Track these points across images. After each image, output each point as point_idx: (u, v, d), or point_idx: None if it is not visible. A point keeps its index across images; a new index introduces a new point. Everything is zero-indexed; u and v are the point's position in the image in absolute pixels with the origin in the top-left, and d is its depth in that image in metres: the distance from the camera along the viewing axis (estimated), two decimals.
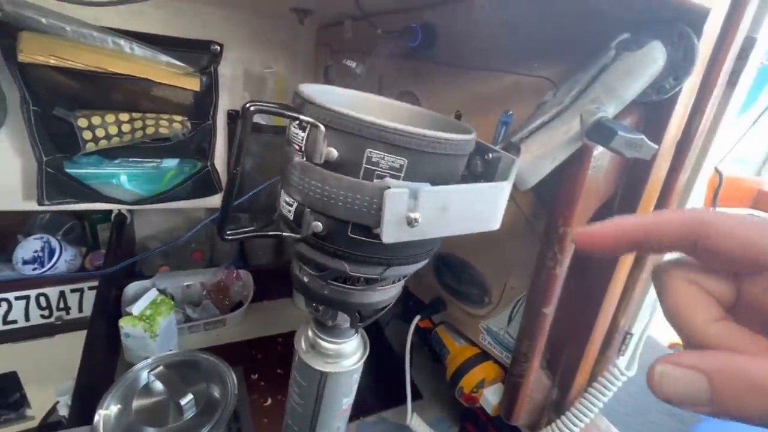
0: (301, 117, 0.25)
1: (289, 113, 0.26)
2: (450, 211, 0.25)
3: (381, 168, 0.25)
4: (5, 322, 0.99)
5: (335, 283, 0.32)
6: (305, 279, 0.34)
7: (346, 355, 0.40)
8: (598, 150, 0.37)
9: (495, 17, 0.50)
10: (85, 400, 0.68)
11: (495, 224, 0.27)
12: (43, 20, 0.56)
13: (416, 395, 0.90)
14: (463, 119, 0.58)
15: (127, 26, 0.65)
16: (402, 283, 0.37)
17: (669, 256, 0.20)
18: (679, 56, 0.34)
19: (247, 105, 0.24)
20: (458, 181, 0.31)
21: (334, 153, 0.25)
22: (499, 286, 0.58)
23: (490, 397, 0.61)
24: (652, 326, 0.54)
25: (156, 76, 0.64)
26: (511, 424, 0.55)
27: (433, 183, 0.27)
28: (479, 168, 0.34)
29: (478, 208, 0.26)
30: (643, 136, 0.30)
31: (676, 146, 0.39)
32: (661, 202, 0.41)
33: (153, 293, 0.85)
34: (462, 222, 0.26)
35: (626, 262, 0.44)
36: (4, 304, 0.97)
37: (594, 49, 0.37)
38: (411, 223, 0.23)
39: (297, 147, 0.27)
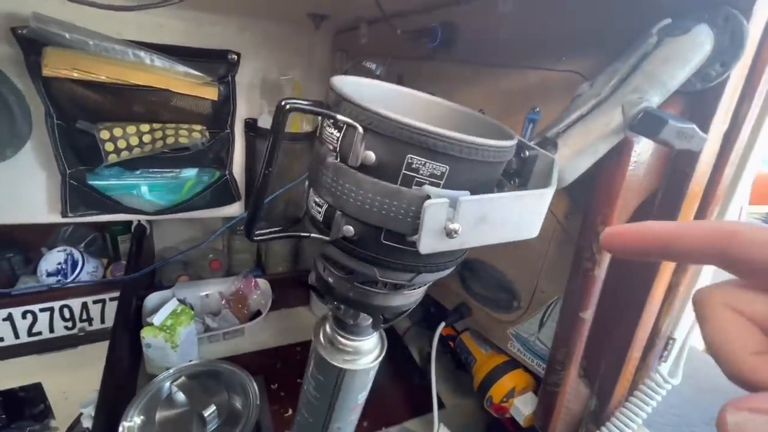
0: (339, 117, 0.24)
1: (326, 112, 0.24)
2: (489, 221, 0.23)
3: (421, 175, 0.24)
4: (30, 334, 1.01)
5: (361, 285, 0.31)
6: (330, 279, 0.33)
7: (365, 353, 0.39)
8: (639, 143, 0.35)
9: (519, 11, 0.49)
10: (109, 412, 0.68)
11: (534, 232, 0.26)
12: (67, 35, 0.57)
13: (439, 405, 0.87)
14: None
15: (148, 39, 0.66)
16: (425, 288, 0.36)
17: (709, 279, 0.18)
18: (725, 41, 0.32)
19: (282, 102, 0.23)
20: (494, 185, 0.29)
21: (372, 157, 0.24)
22: (528, 290, 0.56)
23: (522, 407, 0.58)
24: (695, 331, 0.51)
25: (175, 86, 0.65)
26: None
27: (472, 190, 0.25)
28: (514, 165, 0.32)
29: (518, 217, 0.24)
30: (694, 126, 0.28)
31: (722, 138, 0.36)
32: (706, 197, 0.39)
33: (173, 303, 0.85)
34: (500, 231, 0.24)
35: (669, 263, 0.41)
36: (30, 316, 0.99)
37: (628, 40, 0.36)
38: (450, 234, 0.22)
39: (331, 147, 0.26)
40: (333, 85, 0.25)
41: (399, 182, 0.24)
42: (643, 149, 0.36)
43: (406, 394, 0.89)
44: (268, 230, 0.28)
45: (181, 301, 0.94)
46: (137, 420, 0.61)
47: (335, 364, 0.37)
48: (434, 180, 0.24)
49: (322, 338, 0.40)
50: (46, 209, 0.72)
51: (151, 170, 0.73)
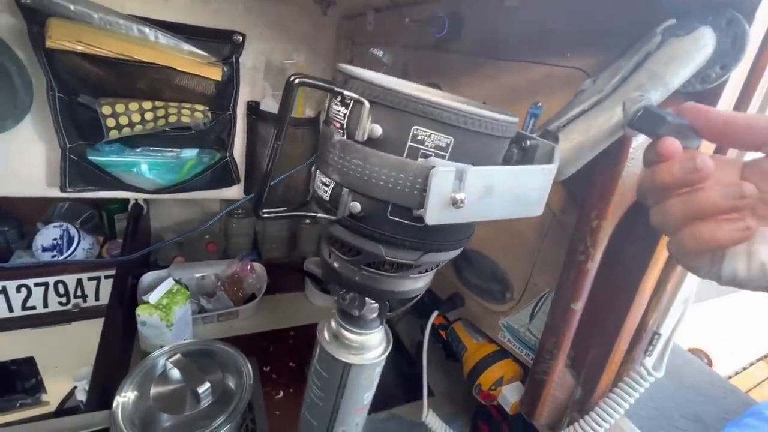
0: (346, 92, 0.25)
1: (335, 88, 0.25)
2: (495, 194, 0.24)
3: (426, 146, 0.24)
4: (24, 308, 1.01)
5: (368, 268, 0.31)
6: (336, 264, 0.34)
7: (370, 348, 0.39)
8: (637, 140, 0.36)
9: (525, 6, 0.49)
10: (103, 386, 0.69)
11: (539, 209, 0.26)
12: (72, 7, 0.57)
13: (429, 393, 0.89)
14: None
15: (152, 14, 0.65)
16: (433, 273, 0.36)
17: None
18: (727, 44, 0.32)
19: (292, 77, 0.24)
20: (498, 163, 0.30)
21: (378, 130, 0.24)
22: (521, 282, 0.57)
23: (509, 395, 0.60)
24: (680, 327, 0.52)
25: (179, 64, 0.64)
26: (532, 422, 0.54)
27: (476, 164, 0.26)
28: (515, 156, 0.33)
29: (524, 192, 0.25)
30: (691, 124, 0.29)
31: None
32: None
33: (169, 282, 0.86)
34: (506, 205, 0.25)
35: (660, 259, 0.42)
36: (24, 290, 0.99)
37: (632, 38, 0.36)
38: (456, 203, 0.22)
39: (338, 125, 0.26)
40: (340, 67, 0.26)
41: (405, 154, 0.25)
42: (641, 146, 0.37)
43: (396, 382, 0.90)
44: (276, 209, 0.29)
45: (177, 282, 0.95)
46: (131, 395, 0.61)
47: (340, 358, 0.37)
48: (439, 152, 0.24)
49: (326, 334, 0.40)
50: (44, 183, 0.72)
51: (151, 148, 0.73)
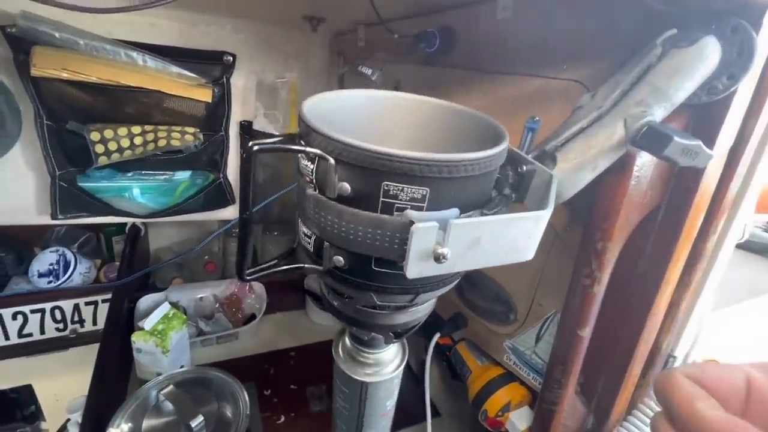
0: (308, 150, 0.23)
1: (293, 148, 0.23)
2: (482, 244, 0.22)
3: (401, 200, 0.22)
4: (21, 335, 0.99)
5: (364, 308, 0.30)
6: (335, 303, 0.32)
7: (386, 363, 0.39)
8: (642, 157, 0.34)
9: (519, 17, 0.48)
10: (96, 419, 0.66)
11: (529, 255, 0.24)
12: (57, 34, 0.56)
13: (434, 413, 0.86)
14: None
15: (141, 39, 0.64)
16: (434, 301, 0.35)
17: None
18: (733, 53, 0.30)
19: (250, 144, 0.22)
20: (489, 198, 0.28)
21: (347, 188, 0.22)
22: (525, 303, 0.54)
23: (518, 422, 0.56)
24: (696, 349, 0.49)
25: (168, 87, 0.63)
26: None
27: (462, 206, 0.24)
28: (510, 179, 0.31)
29: (513, 239, 0.23)
30: (700, 142, 0.27)
31: (729, 152, 0.35)
32: (712, 212, 0.37)
33: (165, 307, 0.84)
34: (494, 254, 0.23)
35: (671, 279, 0.40)
36: (20, 318, 0.97)
37: (631, 48, 0.34)
38: (438, 259, 0.20)
39: (308, 179, 0.25)
40: (302, 112, 0.24)
41: (379, 210, 0.23)
42: (645, 163, 0.35)
43: (400, 401, 0.87)
44: (262, 266, 0.27)
45: (174, 305, 0.93)
46: (124, 427, 0.59)
47: (357, 378, 0.37)
48: (416, 204, 0.22)
49: (341, 352, 0.40)
50: (35, 211, 0.71)
51: (143, 172, 0.72)
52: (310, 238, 0.26)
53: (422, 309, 0.32)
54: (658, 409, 0.45)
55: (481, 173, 0.24)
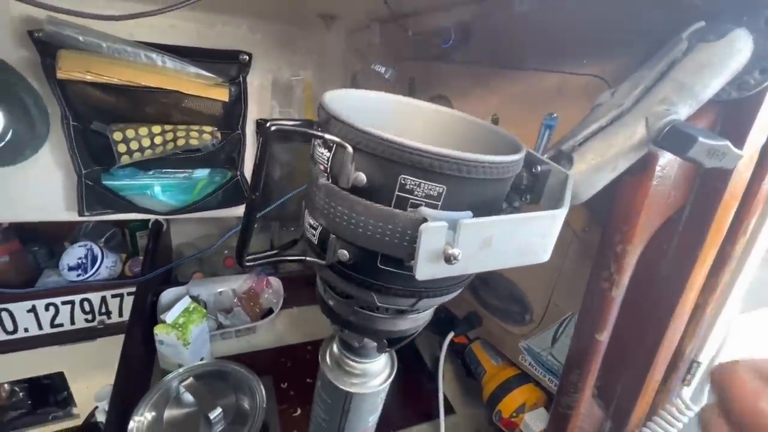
0: (326, 137, 0.23)
1: (313, 132, 0.23)
2: (494, 245, 0.21)
3: (416, 196, 0.22)
4: (53, 326, 1.04)
5: (362, 310, 0.29)
6: (330, 302, 0.32)
7: (373, 375, 0.38)
8: (665, 157, 0.32)
9: (537, 11, 0.46)
10: (121, 408, 0.69)
11: (544, 257, 0.24)
12: (81, 38, 0.58)
13: (448, 410, 0.86)
14: (501, 123, 0.53)
15: (160, 40, 0.66)
16: (433, 309, 0.34)
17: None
18: (766, 46, 0.29)
19: (268, 124, 0.22)
20: (500, 209, 0.27)
21: (363, 178, 0.22)
22: (541, 304, 0.53)
23: (532, 424, 0.56)
24: (722, 354, 0.47)
25: (186, 87, 0.65)
26: None
27: (475, 210, 0.23)
28: (524, 181, 0.30)
29: (527, 240, 0.22)
30: (728, 143, 0.25)
31: (761, 150, 0.33)
32: (741, 214, 0.36)
33: (186, 301, 0.86)
34: (507, 256, 0.22)
35: (696, 282, 0.38)
36: (52, 309, 1.02)
37: (656, 42, 0.33)
38: (449, 260, 0.20)
39: (322, 167, 0.24)
40: (323, 102, 0.24)
41: (393, 204, 0.22)
42: (669, 162, 0.33)
43: (415, 398, 0.87)
44: (262, 254, 0.27)
45: (195, 298, 0.96)
46: (146, 417, 0.62)
47: (342, 387, 0.36)
48: (431, 201, 0.22)
49: (328, 359, 0.39)
50: (64, 208, 0.74)
51: (163, 170, 0.73)
52: (315, 229, 0.26)
53: (421, 317, 0.32)
54: (680, 416, 0.43)
55: (498, 178, 0.23)
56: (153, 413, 0.63)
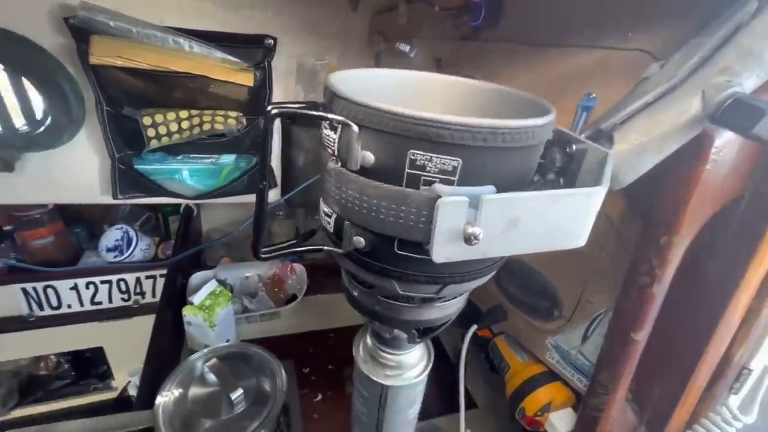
0: (329, 116, 0.21)
1: (314, 113, 0.22)
2: (521, 225, 0.19)
3: (428, 172, 0.20)
4: (93, 303, 1.11)
5: (386, 300, 0.28)
6: (355, 293, 0.31)
7: (409, 366, 0.37)
8: (722, 137, 0.29)
9: None
10: (152, 384, 0.72)
11: (579, 241, 0.21)
12: (112, 23, 0.59)
13: (470, 404, 0.84)
14: None
15: (187, 25, 0.66)
16: (466, 295, 0.32)
17: None
18: None
19: (269, 108, 0.21)
20: (531, 179, 0.25)
21: (371, 158, 0.21)
22: (572, 299, 0.50)
23: (558, 424, 0.53)
24: None
25: (212, 72, 0.65)
26: None
27: (499, 185, 0.21)
28: (558, 162, 0.28)
29: (560, 221, 0.20)
30: None
31: None
32: None
33: (212, 284, 0.88)
34: (536, 238, 0.20)
35: (752, 282, 0.34)
36: (92, 287, 1.08)
37: (716, 9, 0.29)
38: (469, 240, 0.18)
39: (330, 151, 0.23)
40: (327, 81, 0.22)
41: (404, 183, 0.20)
42: (726, 144, 0.29)
43: (437, 390, 0.86)
44: (278, 246, 0.26)
45: (222, 282, 0.98)
46: (172, 394, 0.64)
47: (377, 380, 0.35)
48: (445, 177, 0.20)
49: (362, 351, 0.38)
50: (99, 191, 0.77)
51: (191, 156, 0.75)
52: (330, 217, 0.25)
53: (451, 305, 0.30)
54: (726, 426, 0.39)
55: (523, 146, 0.21)
56: (179, 390, 0.65)
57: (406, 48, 0.51)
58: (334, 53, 0.78)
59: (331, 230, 0.25)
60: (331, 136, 0.22)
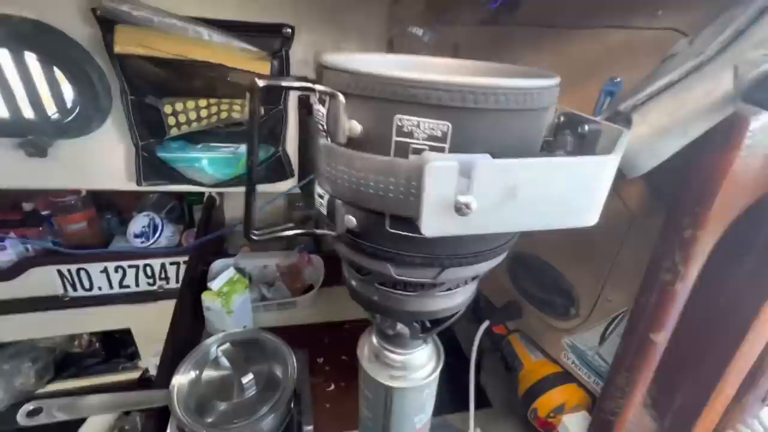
0: (316, 87, 0.20)
1: (301, 84, 0.21)
2: (521, 196, 0.17)
3: (417, 139, 0.19)
4: (121, 286, 1.16)
5: (384, 288, 0.27)
6: (354, 283, 0.30)
7: (415, 368, 0.35)
8: (759, 119, 0.26)
9: None
10: (171, 365, 0.74)
11: (589, 218, 0.19)
12: (134, 13, 0.60)
13: (485, 403, 0.82)
14: None
15: (207, 14, 0.67)
16: (473, 285, 0.30)
17: None
18: None
19: (255, 80, 0.20)
20: (537, 146, 0.23)
21: (357, 127, 0.20)
22: (590, 297, 0.48)
23: (571, 427, 0.51)
24: None
25: (229, 61, 0.66)
26: None
27: (496, 154, 0.19)
28: (569, 146, 0.26)
29: (566, 194, 0.18)
30: None
31: None
32: None
33: (230, 272, 0.90)
34: (539, 212, 0.18)
35: None
36: (120, 271, 1.13)
37: None
38: (461, 210, 0.17)
39: (321, 127, 0.22)
40: (317, 55, 0.22)
41: (392, 153, 0.19)
42: (764, 128, 0.27)
43: (451, 387, 0.85)
44: (270, 229, 0.26)
45: (241, 270, 1.00)
46: (187, 376, 0.66)
47: (381, 381, 0.34)
48: (435, 144, 0.19)
49: (366, 350, 0.36)
50: (125, 178, 0.80)
51: (211, 144, 0.76)
52: (323, 198, 0.24)
53: (455, 296, 0.28)
54: None
55: (522, 110, 0.19)
56: (196, 371, 0.67)
57: (419, 32, 0.49)
58: (352, 43, 0.77)
59: (325, 212, 0.24)
60: (320, 111, 0.22)
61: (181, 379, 0.64)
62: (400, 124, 0.19)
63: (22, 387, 1.19)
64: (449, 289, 0.28)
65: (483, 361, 0.87)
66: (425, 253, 0.23)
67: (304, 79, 0.21)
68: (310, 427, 0.73)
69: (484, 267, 0.24)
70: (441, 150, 0.19)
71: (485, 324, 0.59)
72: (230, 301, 0.86)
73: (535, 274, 0.55)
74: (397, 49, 0.64)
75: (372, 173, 0.20)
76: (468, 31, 0.54)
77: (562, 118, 0.26)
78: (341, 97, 0.20)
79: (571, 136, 0.25)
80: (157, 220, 1.14)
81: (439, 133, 0.18)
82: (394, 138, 0.19)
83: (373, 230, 0.22)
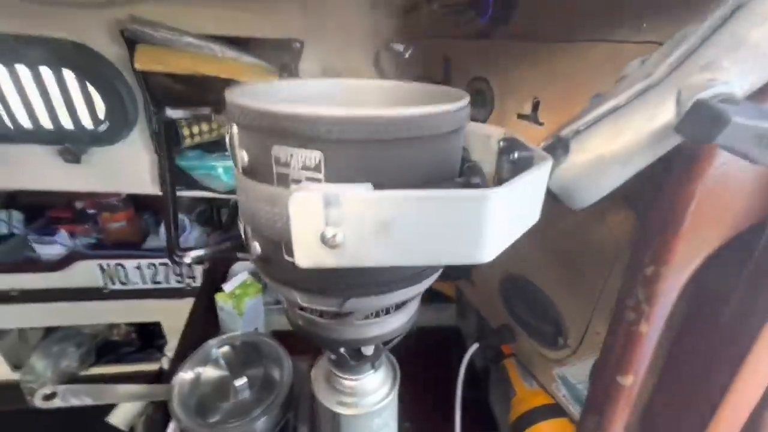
0: (214, 116, 0.21)
1: (204, 113, 0.22)
2: (396, 231, 0.17)
3: (294, 169, 0.19)
4: (153, 282, 1.25)
5: (303, 313, 0.27)
6: (285, 305, 0.30)
7: (365, 393, 0.34)
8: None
9: None
10: (180, 360, 0.79)
11: (482, 253, 0.18)
12: (156, 34, 0.65)
13: (493, 426, 0.79)
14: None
15: (222, 32, 0.71)
16: (411, 309, 0.29)
17: None
18: None
19: (165, 109, 0.22)
20: (447, 179, 0.22)
21: (245, 157, 0.20)
22: (579, 328, 0.44)
23: None
24: None
25: (239, 75, 0.69)
26: None
27: (386, 184, 0.19)
28: (505, 173, 0.24)
29: (446, 228, 0.17)
30: None
31: None
32: None
33: (243, 275, 0.94)
34: (420, 247, 0.17)
35: None
36: (152, 267, 1.22)
37: None
38: (327, 242, 0.16)
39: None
40: (226, 92, 0.22)
41: (275, 182, 0.20)
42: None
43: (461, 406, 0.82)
44: (195, 249, 0.27)
45: (257, 274, 1.04)
46: (189, 374, 0.69)
47: (327, 406, 0.34)
48: (311, 175, 0.19)
49: (320, 375, 0.36)
50: (151, 183, 0.86)
51: (225, 154, 0.80)
52: (241, 223, 0.25)
53: (384, 324, 0.27)
54: None
55: (407, 138, 0.18)
56: (198, 369, 0.70)
57: (400, 48, 0.49)
58: (360, 56, 0.78)
59: (243, 237, 0.25)
60: (229, 141, 0.22)
61: (182, 377, 0.68)
62: (277, 154, 0.19)
63: (66, 369, 1.32)
64: (368, 318, 0.27)
65: (492, 383, 0.83)
66: (325, 283, 0.22)
67: (206, 109, 0.22)
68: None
69: (395, 297, 0.24)
70: (318, 180, 0.19)
71: (474, 347, 0.57)
72: (241, 303, 0.90)
73: (524, 297, 0.52)
74: (383, 63, 0.64)
75: (260, 202, 0.20)
76: (459, 45, 0.53)
77: (502, 144, 0.25)
78: (234, 128, 0.20)
79: (506, 162, 0.24)
80: (186, 222, 1.22)
81: (312, 164, 0.18)
82: (275, 168, 0.19)
83: (274, 258, 0.23)
